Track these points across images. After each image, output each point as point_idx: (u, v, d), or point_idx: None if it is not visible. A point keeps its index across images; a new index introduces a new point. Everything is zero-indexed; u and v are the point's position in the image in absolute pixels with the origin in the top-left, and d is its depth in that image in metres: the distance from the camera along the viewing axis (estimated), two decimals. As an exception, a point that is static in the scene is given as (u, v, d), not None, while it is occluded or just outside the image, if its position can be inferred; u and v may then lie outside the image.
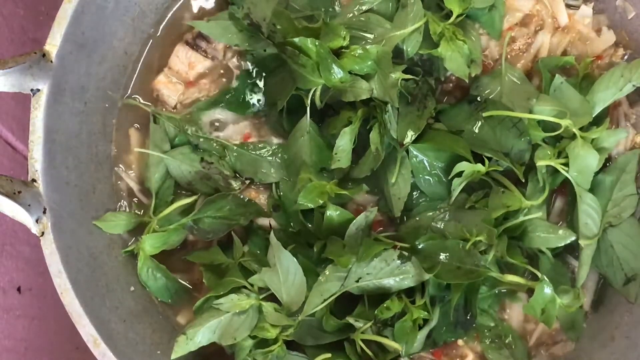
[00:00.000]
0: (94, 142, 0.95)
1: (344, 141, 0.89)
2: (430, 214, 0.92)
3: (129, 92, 1.00)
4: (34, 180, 0.83)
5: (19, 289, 1.02)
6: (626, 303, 0.91)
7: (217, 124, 0.99)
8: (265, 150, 0.96)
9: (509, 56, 0.96)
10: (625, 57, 0.98)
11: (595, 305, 0.94)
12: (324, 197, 0.88)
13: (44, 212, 0.83)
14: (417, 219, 0.92)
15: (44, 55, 0.83)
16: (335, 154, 0.90)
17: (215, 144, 0.96)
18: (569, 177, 0.87)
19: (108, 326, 0.85)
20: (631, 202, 0.90)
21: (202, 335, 0.86)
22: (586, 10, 0.98)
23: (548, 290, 0.83)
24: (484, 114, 0.89)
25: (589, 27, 0.98)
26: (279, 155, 0.95)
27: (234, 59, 1.00)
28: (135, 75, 1.00)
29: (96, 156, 0.95)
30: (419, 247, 0.86)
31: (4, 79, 0.80)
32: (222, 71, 1.01)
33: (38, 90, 0.83)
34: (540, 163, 0.87)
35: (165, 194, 0.96)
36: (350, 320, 0.85)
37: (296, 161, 0.93)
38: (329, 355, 0.85)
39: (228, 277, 0.88)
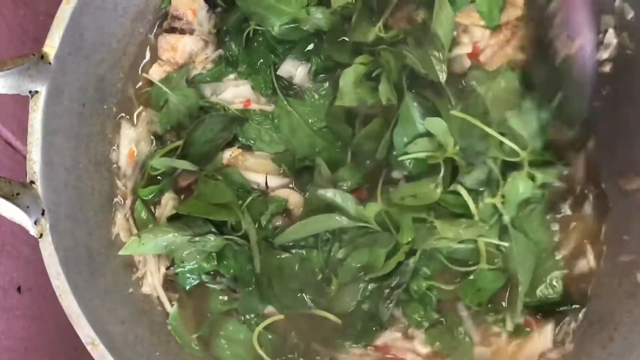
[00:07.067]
0: (93, 143, 0.95)
1: (346, 80, 0.91)
2: None
3: (128, 93, 1.00)
4: (32, 182, 0.83)
5: (19, 289, 1.02)
6: (626, 304, 0.90)
7: (217, 90, 0.99)
8: (267, 122, 0.97)
9: (496, 47, 0.95)
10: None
11: (593, 305, 0.94)
12: None
13: (43, 214, 0.83)
14: None
15: (42, 56, 0.83)
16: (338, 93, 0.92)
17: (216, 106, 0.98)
18: (506, 223, 0.88)
19: (106, 328, 0.85)
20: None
21: (152, 245, 0.89)
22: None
23: None
24: (453, 112, 0.88)
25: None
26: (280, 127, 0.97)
27: (210, 24, 1.00)
28: (134, 76, 1.00)
29: (95, 157, 0.95)
30: None
31: (2, 81, 0.80)
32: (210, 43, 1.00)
33: (36, 92, 0.83)
34: (486, 201, 0.87)
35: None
36: None
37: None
38: None
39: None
